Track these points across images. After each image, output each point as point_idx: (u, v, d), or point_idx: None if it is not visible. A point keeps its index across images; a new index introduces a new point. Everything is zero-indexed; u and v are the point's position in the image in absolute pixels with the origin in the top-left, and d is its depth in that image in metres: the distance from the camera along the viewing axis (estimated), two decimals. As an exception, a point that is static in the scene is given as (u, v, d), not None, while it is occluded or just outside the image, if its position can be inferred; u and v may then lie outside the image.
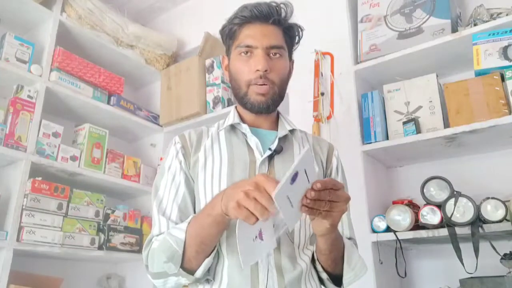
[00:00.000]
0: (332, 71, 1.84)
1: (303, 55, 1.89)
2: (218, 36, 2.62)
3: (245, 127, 1.00)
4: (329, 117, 1.79)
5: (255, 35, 0.97)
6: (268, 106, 0.98)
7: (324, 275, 0.95)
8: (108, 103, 2.15)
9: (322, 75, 1.87)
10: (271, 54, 0.97)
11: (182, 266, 0.85)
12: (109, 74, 2.16)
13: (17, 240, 1.62)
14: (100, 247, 1.90)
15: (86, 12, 2.11)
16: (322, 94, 1.83)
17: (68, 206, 1.81)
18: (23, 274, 1.72)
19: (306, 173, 0.68)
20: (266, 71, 0.95)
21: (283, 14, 1.00)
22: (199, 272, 0.86)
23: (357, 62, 1.80)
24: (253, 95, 0.97)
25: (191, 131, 1.04)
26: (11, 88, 1.80)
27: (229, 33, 1.02)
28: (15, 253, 1.60)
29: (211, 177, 0.95)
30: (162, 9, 2.70)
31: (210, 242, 0.85)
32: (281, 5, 1.00)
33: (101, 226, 1.93)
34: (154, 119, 2.39)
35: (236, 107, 1.07)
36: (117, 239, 1.97)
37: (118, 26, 2.25)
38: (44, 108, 1.84)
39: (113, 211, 2.01)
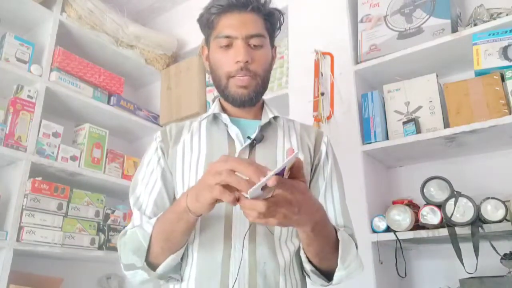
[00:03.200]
0: (332, 71, 1.84)
1: (303, 55, 1.90)
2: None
3: (225, 117, 0.97)
4: (329, 117, 1.79)
5: (234, 25, 0.92)
6: (251, 99, 0.95)
7: (308, 266, 0.87)
8: (108, 103, 2.15)
9: (322, 75, 1.87)
10: (251, 44, 0.93)
11: (148, 261, 0.83)
12: (109, 74, 2.16)
13: (17, 240, 1.62)
14: (100, 247, 1.90)
15: (86, 12, 2.11)
16: (322, 94, 1.83)
17: (68, 206, 1.81)
18: (23, 274, 1.72)
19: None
20: (247, 62, 0.91)
21: (262, 1, 0.95)
22: (160, 268, 0.83)
23: (357, 62, 1.80)
24: (233, 88, 0.94)
25: (172, 125, 1.02)
26: (11, 88, 1.80)
27: (206, 23, 0.97)
28: (15, 253, 1.60)
29: (189, 169, 0.92)
30: (162, 9, 2.70)
31: (175, 239, 0.82)
32: None
33: (101, 226, 1.93)
34: (154, 119, 2.39)
35: (219, 98, 1.04)
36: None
37: (118, 26, 2.25)
38: (44, 108, 1.84)
39: (113, 211, 2.01)
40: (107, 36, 2.22)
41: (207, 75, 2.25)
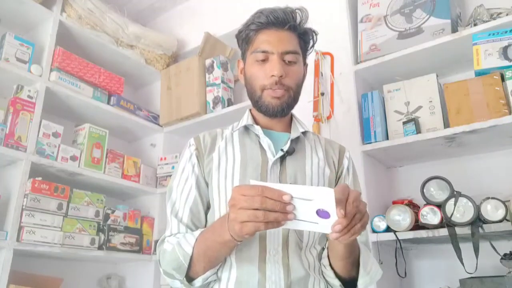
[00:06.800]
0: (332, 71, 1.84)
1: (303, 55, 1.90)
2: (218, 36, 2.62)
3: (257, 129, 1.03)
4: (329, 117, 1.79)
5: (271, 41, 0.99)
6: (282, 110, 1.01)
7: (337, 282, 0.93)
8: (108, 103, 2.15)
9: (322, 75, 1.87)
10: (286, 60, 0.99)
11: (188, 275, 0.89)
12: (109, 74, 2.16)
13: (17, 240, 1.62)
14: (100, 247, 1.90)
15: (86, 12, 2.11)
16: (322, 94, 1.83)
17: (68, 206, 1.81)
18: (23, 274, 1.71)
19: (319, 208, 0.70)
20: (281, 76, 0.97)
21: (298, 20, 1.02)
22: (199, 280, 0.90)
23: (357, 62, 1.80)
24: (267, 99, 0.99)
25: (205, 134, 1.07)
26: (11, 88, 1.80)
27: (245, 38, 1.04)
28: (15, 253, 1.60)
29: (225, 177, 0.97)
30: (162, 9, 2.70)
31: (218, 260, 0.90)
32: (297, 11, 1.02)
33: (101, 226, 1.93)
34: (154, 119, 2.39)
35: (250, 110, 1.10)
36: (117, 239, 1.97)
37: (118, 26, 2.25)
38: (44, 108, 1.84)
39: (113, 211, 2.01)
40: (107, 36, 2.22)
41: (207, 75, 2.26)
